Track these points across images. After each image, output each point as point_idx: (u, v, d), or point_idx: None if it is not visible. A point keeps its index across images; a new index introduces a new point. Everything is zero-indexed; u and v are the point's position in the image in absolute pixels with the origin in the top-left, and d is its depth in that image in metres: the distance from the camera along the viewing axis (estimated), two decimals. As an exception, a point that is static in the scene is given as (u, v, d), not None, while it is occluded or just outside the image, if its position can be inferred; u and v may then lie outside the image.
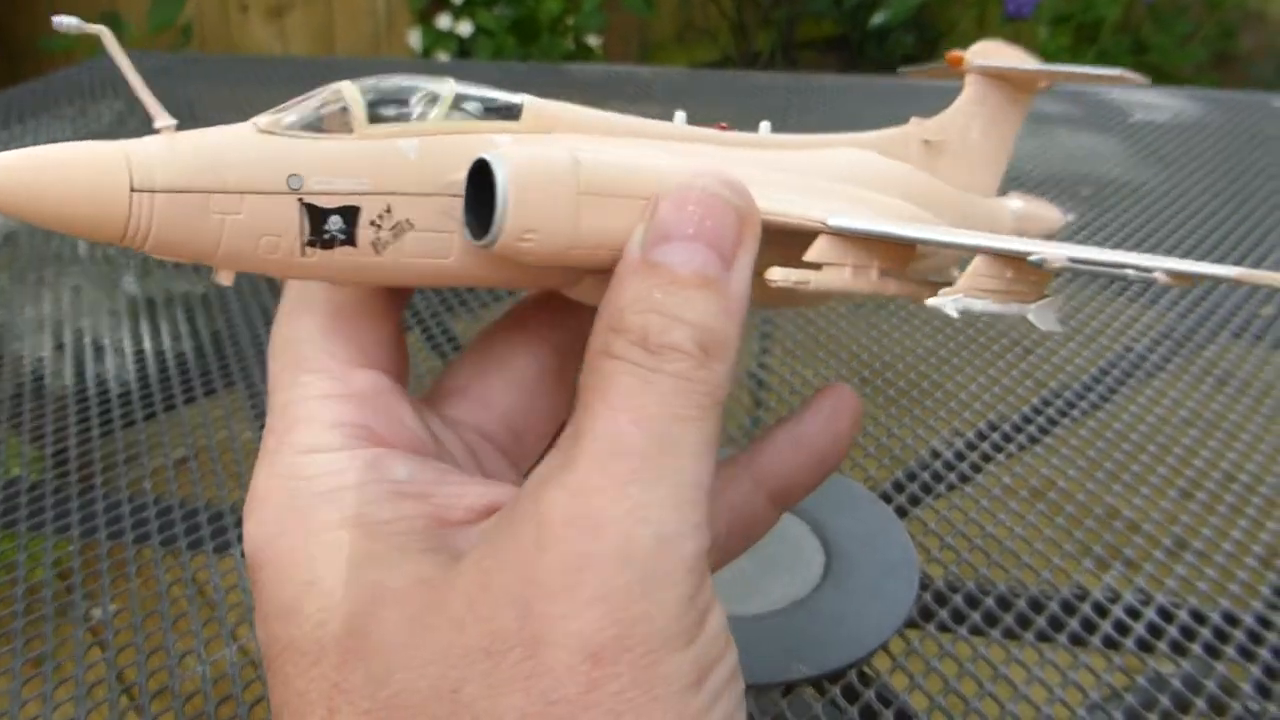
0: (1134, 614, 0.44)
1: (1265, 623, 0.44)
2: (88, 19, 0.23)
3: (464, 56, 2.76)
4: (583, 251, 0.24)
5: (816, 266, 0.26)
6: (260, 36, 2.63)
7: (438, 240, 0.24)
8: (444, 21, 2.71)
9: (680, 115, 0.30)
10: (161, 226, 0.22)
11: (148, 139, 0.22)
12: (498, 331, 0.31)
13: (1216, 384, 0.61)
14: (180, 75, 1.18)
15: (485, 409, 0.30)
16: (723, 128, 0.31)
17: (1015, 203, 0.38)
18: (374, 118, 0.24)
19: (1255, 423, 0.58)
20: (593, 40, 2.89)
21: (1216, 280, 0.26)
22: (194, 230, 0.22)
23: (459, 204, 0.24)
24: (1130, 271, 0.25)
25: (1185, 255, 0.76)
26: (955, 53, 0.36)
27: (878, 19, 2.74)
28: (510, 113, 0.26)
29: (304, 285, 0.27)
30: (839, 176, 0.32)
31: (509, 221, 0.23)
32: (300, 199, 0.23)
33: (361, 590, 0.23)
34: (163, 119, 0.23)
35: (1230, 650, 0.42)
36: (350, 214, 0.23)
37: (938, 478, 0.53)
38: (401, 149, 0.24)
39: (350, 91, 0.24)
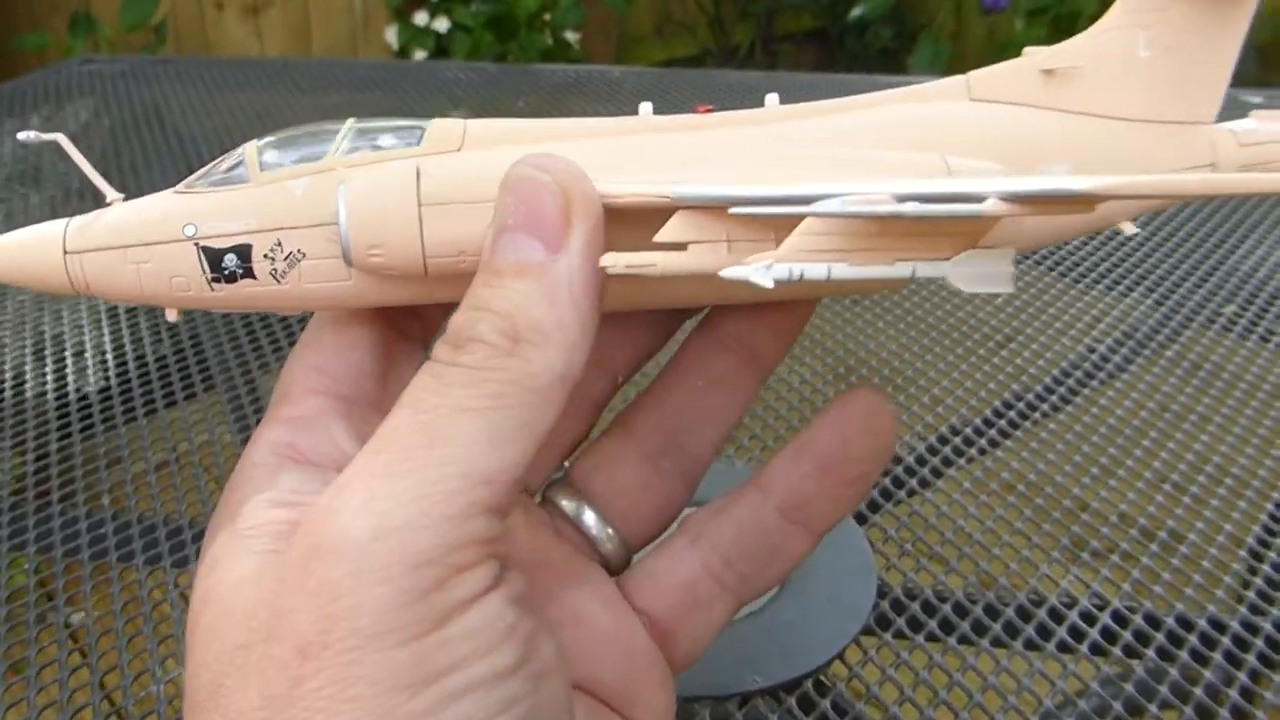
0: (1089, 618, 0.44)
1: (1219, 625, 0.44)
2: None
3: (441, 53, 2.75)
4: (446, 259, 0.26)
5: (682, 248, 0.24)
6: (236, 35, 2.61)
7: (333, 266, 0.27)
8: (421, 18, 2.70)
9: (646, 107, 0.30)
10: (94, 278, 0.28)
11: (89, 214, 0.28)
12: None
13: (1184, 377, 0.61)
14: (149, 78, 1.17)
15: None
16: (705, 110, 0.30)
17: (1245, 124, 0.32)
18: (267, 166, 0.27)
19: (1221, 413, 0.58)
20: (571, 36, 2.88)
21: (1065, 196, 0.21)
22: (119, 277, 0.28)
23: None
24: (960, 207, 0.22)
25: (1148, 250, 0.76)
26: None
27: (856, 12, 2.74)
28: (412, 138, 0.28)
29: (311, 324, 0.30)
30: (875, 137, 0.29)
31: (351, 240, 0.26)
32: (196, 243, 0.27)
33: (200, 590, 0.24)
34: (112, 194, 0.28)
35: (1184, 654, 0.43)
36: (244, 251, 0.27)
37: (899, 483, 0.53)
38: (290, 188, 0.27)
39: (249, 148, 0.28)
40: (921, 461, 0.55)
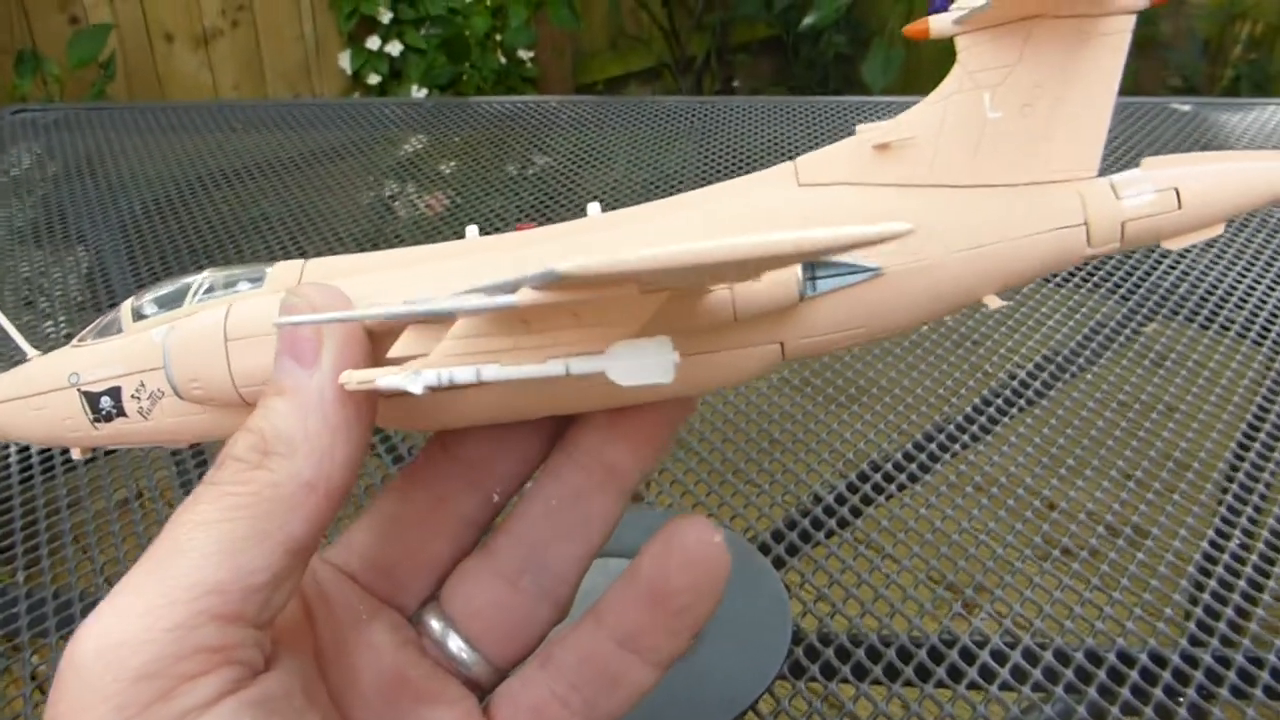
0: (1000, 657, 0.45)
1: (1127, 660, 0.44)
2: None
3: (395, 76, 2.74)
4: (256, 389, 0.28)
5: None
6: (187, 68, 2.60)
7: (189, 404, 0.30)
8: (373, 42, 2.70)
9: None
10: (6, 424, 0.32)
11: (9, 371, 0.33)
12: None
13: (1102, 399, 0.62)
14: (84, 126, 1.16)
15: (346, 549, 0.32)
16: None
17: (1129, 175, 0.29)
18: (139, 316, 0.31)
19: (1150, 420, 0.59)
20: (524, 54, 2.88)
21: (549, 280, 0.20)
22: (26, 422, 0.32)
23: None
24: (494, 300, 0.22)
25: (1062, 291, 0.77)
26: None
27: (808, 21, 2.76)
28: (256, 280, 0.31)
29: None
30: (692, 238, 0.29)
31: (174, 376, 0.29)
32: (79, 389, 0.31)
33: None
34: (31, 352, 0.33)
35: (1092, 688, 0.43)
36: (115, 392, 0.31)
37: (818, 524, 0.53)
38: (152, 336, 0.30)
39: (126, 304, 0.31)
40: (841, 500, 0.55)
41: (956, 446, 0.58)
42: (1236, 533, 0.51)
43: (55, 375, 0.32)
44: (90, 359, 0.31)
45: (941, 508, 0.52)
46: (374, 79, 2.72)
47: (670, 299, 0.24)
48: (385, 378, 0.24)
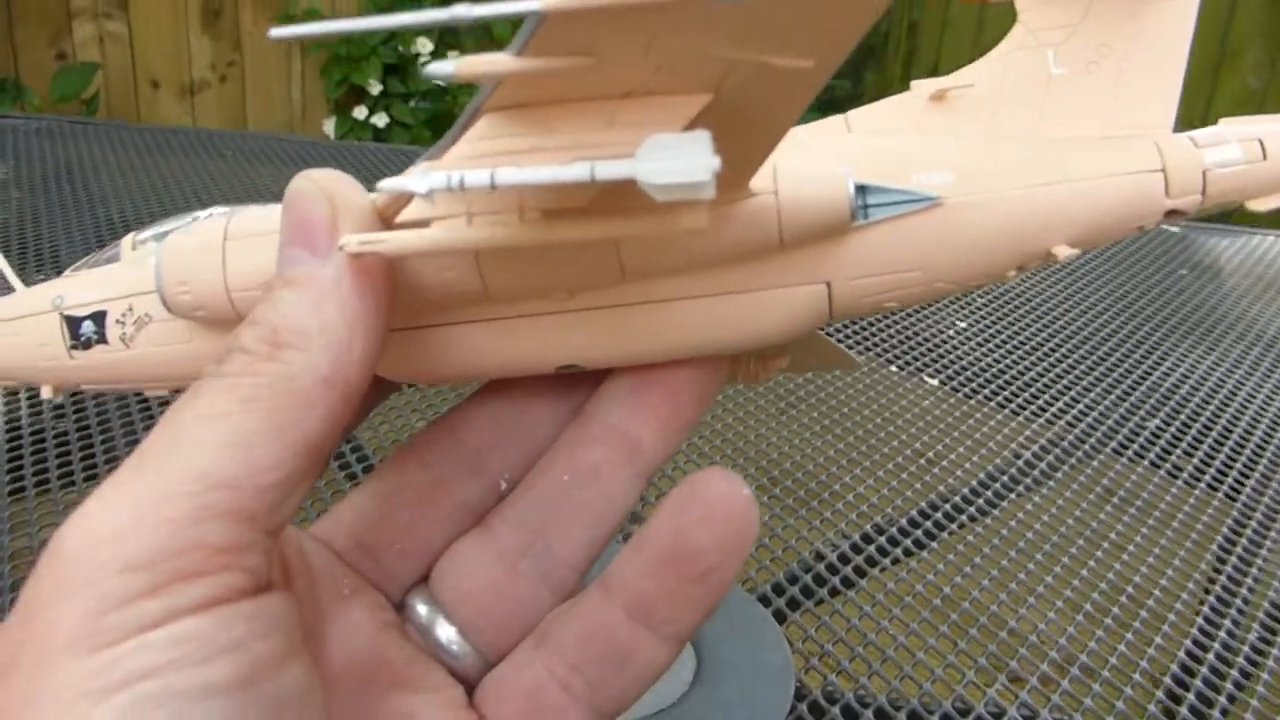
0: (1017, 731, 0.42)
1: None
2: None
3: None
4: (250, 294, 0.26)
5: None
6: (170, 115, 2.59)
7: (174, 327, 0.28)
8: (360, 112, 2.71)
9: None
10: None
11: None
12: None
13: (1100, 497, 0.60)
14: (66, 137, 1.13)
15: (332, 525, 0.29)
16: None
17: (1208, 131, 0.28)
18: (139, 247, 0.29)
19: (1138, 537, 0.57)
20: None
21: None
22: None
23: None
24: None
25: (1067, 313, 0.76)
26: None
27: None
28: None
29: None
30: None
31: (162, 277, 0.27)
32: (61, 312, 0.29)
33: None
34: (20, 287, 0.31)
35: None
36: (100, 317, 0.29)
37: (820, 581, 0.50)
38: (148, 261, 0.28)
39: (127, 237, 0.30)
40: (844, 560, 0.52)
41: (898, 552, 0.54)
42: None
43: (38, 300, 0.30)
44: (79, 282, 0.30)
45: (877, 618, 0.49)
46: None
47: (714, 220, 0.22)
48: (393, 237, 0.22)
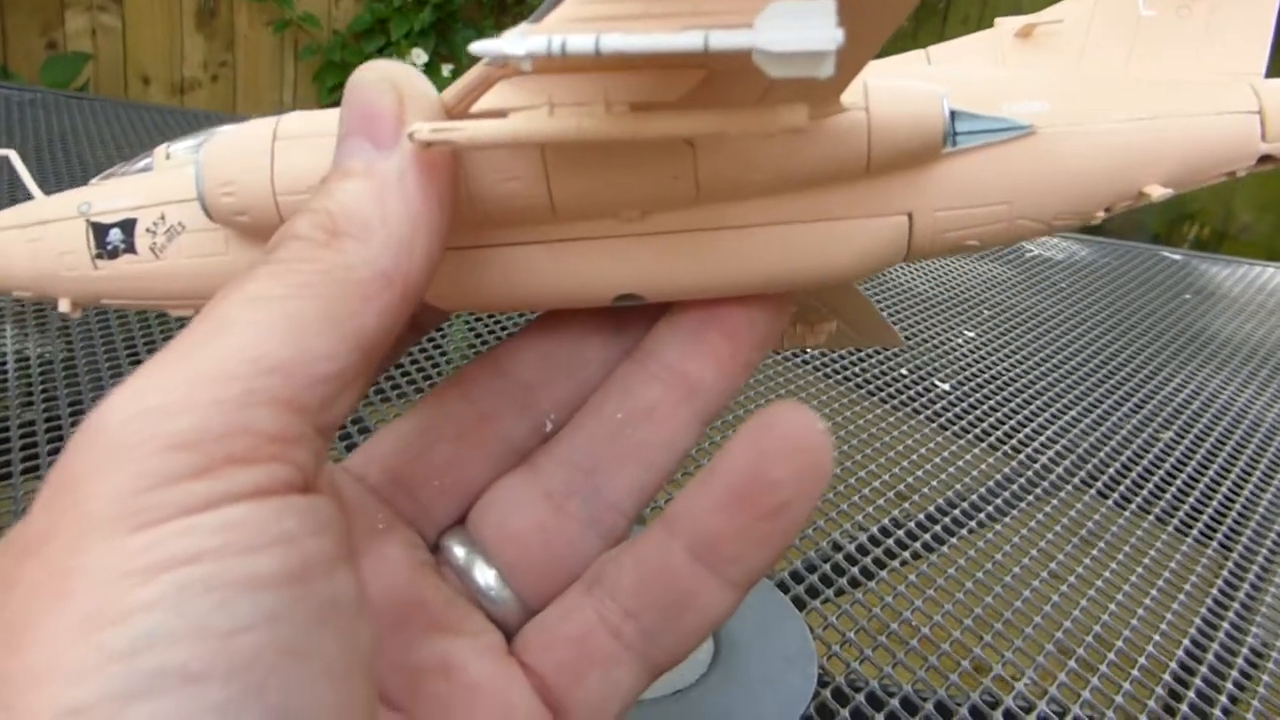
0: (1048, 725, 0.40)
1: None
2: None
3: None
4: (298, 197, 0.24)
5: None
6: (158, 111, 2.56)
7: (210, 238, 0.27)
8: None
9: None
10: None
11: None
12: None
13: (1070, 531, 0.59)
14: (61, 110, 1.11)
15: (366, 459, 0.27)
16: None
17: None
18: (173, 157, 0.28)
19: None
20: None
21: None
22: (14, 255, 0.28)
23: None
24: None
25: (1076, 378, 0.75)
26: None
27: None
28: None
29: None
30: None
31: (204, 178, 0.25)
32: (87, 219, 0.27)
33: None
34: (40, 196, 0.29)
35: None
36: (129, 225, 0.27)
37: (839, 570, 0.49)
38: (184, 169, 0.27)
39: (161, 146, 0.28)
40: (863, 550, 0.51)
41: (917, 546, 0.53)
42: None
43: (62, 206, 0.28)
44: (108, 190, 0.28)
45: (910, 597, 0.47)
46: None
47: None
48: (469, 126, 0.20)
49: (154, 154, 0.28)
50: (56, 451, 0.53)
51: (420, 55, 2.66)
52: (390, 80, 0.22)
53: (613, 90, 0.20)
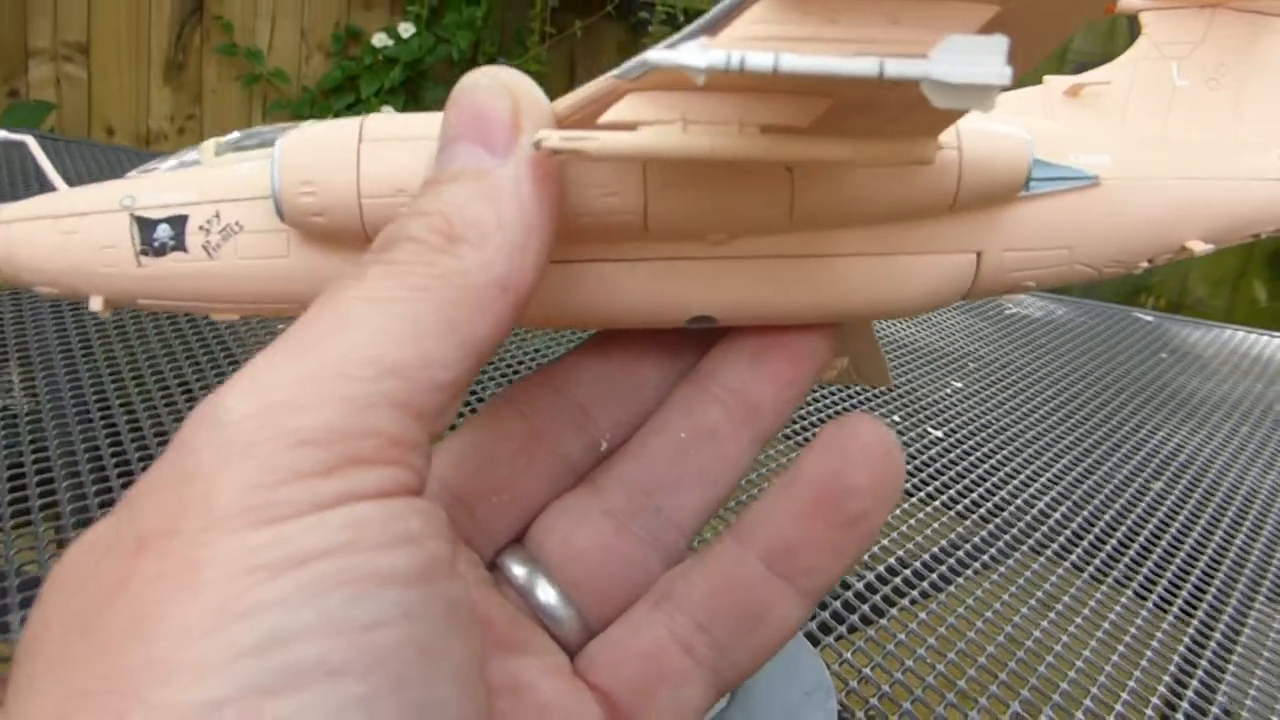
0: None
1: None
2: None
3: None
4: (384, 200, 0.24)
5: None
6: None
7: (271, 239, 0.25)
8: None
9: None
10: (17, 247, 0.26)
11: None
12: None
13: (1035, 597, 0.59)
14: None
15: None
16: None
17: None
18: (222, 152, 0.26)
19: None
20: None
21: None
22: (46, 248, 0.26)
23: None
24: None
25: (1053, 432, 0.75)
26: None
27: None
28: None
29: None
30: None
31: (281, 177, 0.24)
32: (131, 213, 0.26)
33: None
34: (63, 187, 0.27)
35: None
36: (179, 221, 0.26)
37: (850, 608, 0.48)
38: (238, 168, 0.26)
39: (209, 141, 0.27)
40: (872, 589, 0.50)
41: (925, 585, 0.51)
42: None
43: (101, 198, 0.26)
44: (153, 184, 0.26)
45: (912, 646, 0.45)
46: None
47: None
48: (602, 136, 0.20)
49: (199, 149, 0.27)
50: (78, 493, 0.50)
51: (389, 110, 2.67)
52: (505, 86, 0.22)
53: (747, 112, 0.20)
